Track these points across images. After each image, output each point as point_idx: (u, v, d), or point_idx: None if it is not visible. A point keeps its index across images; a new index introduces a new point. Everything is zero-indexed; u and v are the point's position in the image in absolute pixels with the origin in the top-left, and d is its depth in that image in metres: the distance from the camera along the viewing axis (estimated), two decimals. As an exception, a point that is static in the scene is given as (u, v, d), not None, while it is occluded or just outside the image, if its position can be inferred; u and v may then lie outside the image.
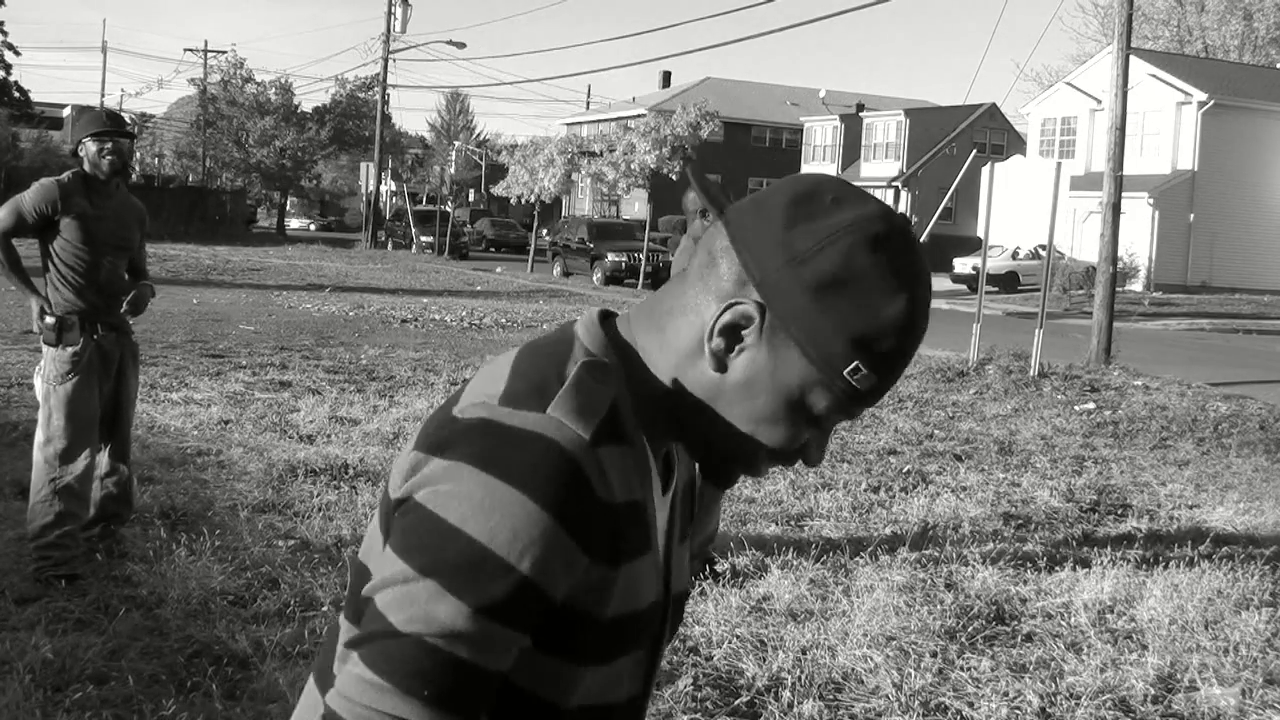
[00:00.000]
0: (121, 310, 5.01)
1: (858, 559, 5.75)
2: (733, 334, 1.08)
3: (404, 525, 1.03)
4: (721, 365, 1.09)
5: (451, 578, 0.99)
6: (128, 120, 5.37)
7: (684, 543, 1.26)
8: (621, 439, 1.07)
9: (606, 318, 1.17)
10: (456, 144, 77.20)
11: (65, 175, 4.92)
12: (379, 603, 1.01)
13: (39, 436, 4.91)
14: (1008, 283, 32.31)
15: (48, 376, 4.85)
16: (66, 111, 48.31)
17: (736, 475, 1.17)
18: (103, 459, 5.15)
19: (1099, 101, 35.37)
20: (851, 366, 1.06)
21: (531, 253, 35.78)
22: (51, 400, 4.84)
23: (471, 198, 64.50)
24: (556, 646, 1.08)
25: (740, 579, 5.40)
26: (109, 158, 4.89)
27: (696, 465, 1.30)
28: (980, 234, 15.12)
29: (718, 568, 5.48)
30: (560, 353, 1.11)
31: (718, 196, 1.14)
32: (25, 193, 4.89)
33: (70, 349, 4.83)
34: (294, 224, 56.43)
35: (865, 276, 1.04)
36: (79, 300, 4.87)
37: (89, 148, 4.88)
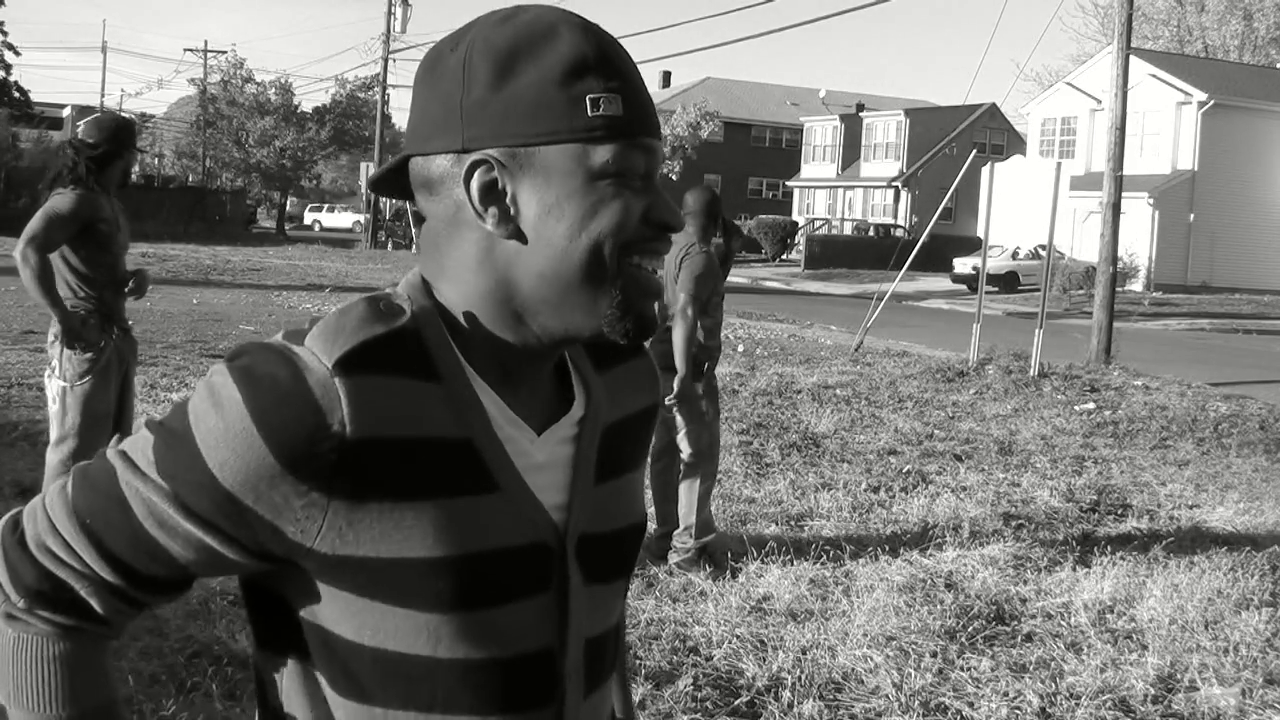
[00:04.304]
0: (126, 291, 5.00)
1: (858, 559, 5.76)
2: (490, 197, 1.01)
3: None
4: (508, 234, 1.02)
5: (166, 436, 0.99)
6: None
7: (607, 481, 1.14)
8: (397, 372, 0.99)
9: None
10: (456, 144, 76.99)
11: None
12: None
13: (53, 435, 4.90)
14: (1008, 283, 32.33)
15: (65, 376, 4.85)
16: (66, 111, 48.25)
17: (623, 317, 1.03)
18: None
19: (1099, 101, 35.38)
20: (574, 97, 0.98)
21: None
22: (68, 399, 4.83)
23: (472, 198, 64.38)
24: (357, 586, 0.99)
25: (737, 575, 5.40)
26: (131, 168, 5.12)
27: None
28: (980, 234, 15.13)
29: (673, 557, 5.58)
30: None
31: None
32: (56, 206, 4.73)
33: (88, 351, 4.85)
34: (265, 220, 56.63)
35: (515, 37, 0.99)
36: (99, 304, 4.89)
37: (128, 159, 4.99)
